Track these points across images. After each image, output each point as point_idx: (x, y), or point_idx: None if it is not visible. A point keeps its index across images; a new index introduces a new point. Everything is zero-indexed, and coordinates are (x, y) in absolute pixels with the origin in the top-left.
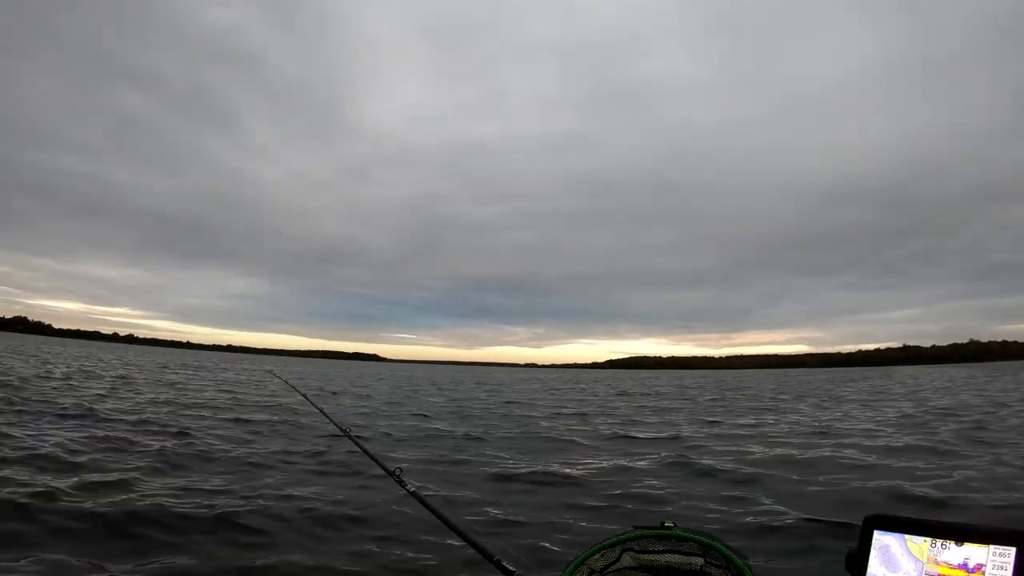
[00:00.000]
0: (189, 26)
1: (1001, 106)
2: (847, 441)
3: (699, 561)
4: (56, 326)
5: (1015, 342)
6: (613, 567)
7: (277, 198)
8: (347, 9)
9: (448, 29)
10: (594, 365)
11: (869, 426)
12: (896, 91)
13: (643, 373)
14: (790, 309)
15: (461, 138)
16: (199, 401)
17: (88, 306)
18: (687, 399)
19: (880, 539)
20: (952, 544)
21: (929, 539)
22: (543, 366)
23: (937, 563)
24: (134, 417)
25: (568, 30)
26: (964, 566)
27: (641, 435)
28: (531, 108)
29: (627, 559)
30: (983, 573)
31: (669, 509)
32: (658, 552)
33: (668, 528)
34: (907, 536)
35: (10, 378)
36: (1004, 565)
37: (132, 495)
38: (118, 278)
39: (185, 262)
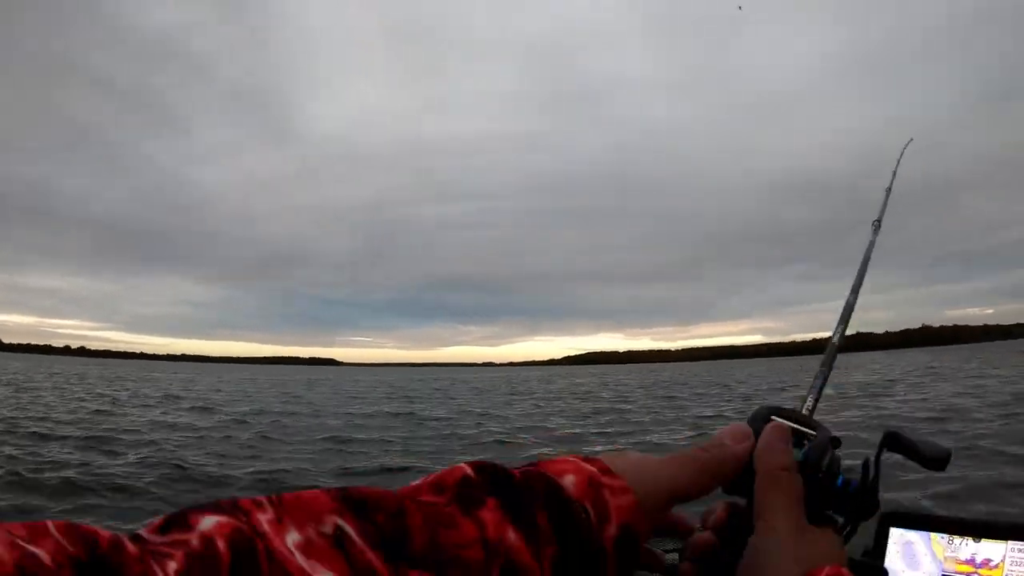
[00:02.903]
0: (136, 28)
1: (949, 99)
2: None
3: None
4: (6, 340)
5: (966, 326)
6: None
7: (229, 202)
8: (298, 9)
9: (403, 27)
10: (551, 362)
11: None
12: (847, 86)
13: (591, 369)
14: (746, 301)
15: (417, 137)
16: None
17: (38, 319)
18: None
19: (904, 536)
20: (970, 540)
21: (947, 536)
22: (500, 365)
23: (954, 561)
24: None
25: (526, 28)
26: (972, 561)
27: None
28: (489, 106)
29: None
30: (1000, 570)
31: None
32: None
33: None
34: (931, 534)
35: None
36: (1022, 561)
37: None
38: (68, 288)
39: (137, 269)
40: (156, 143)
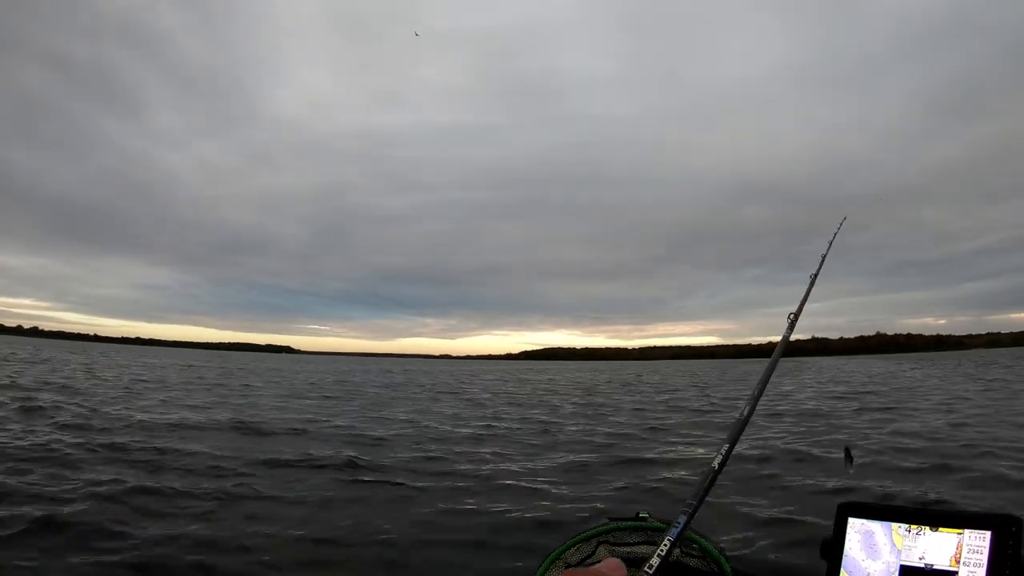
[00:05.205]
0: (96, 5)
1: (908, 109)
2: None
3: (675, 552)
4: None
5: (919, 335)
6: (589, 560)
7: (185, 185)
8: None
9: (358, 16)
10: (508, 356)
11: None
12: (806, 91)
13: (549, 365)
14: (702, 302)
15: (371, 127)
16: None
17: None
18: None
19: (865, 525)
20: (927, 529)
21: (905, 525)
22: (457, 358)
23: (912, 549)
24: None
25: (480, 20)
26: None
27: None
28: (442, 98)
29: (602, 552)
30: (957, 558)
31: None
32: (633, 544)
33: (643, 519)
34: (892, 524)
35: None
36: (980, 549)
37: None
38: (21, 267)
39: (91, 251)
40: (113, 123)
